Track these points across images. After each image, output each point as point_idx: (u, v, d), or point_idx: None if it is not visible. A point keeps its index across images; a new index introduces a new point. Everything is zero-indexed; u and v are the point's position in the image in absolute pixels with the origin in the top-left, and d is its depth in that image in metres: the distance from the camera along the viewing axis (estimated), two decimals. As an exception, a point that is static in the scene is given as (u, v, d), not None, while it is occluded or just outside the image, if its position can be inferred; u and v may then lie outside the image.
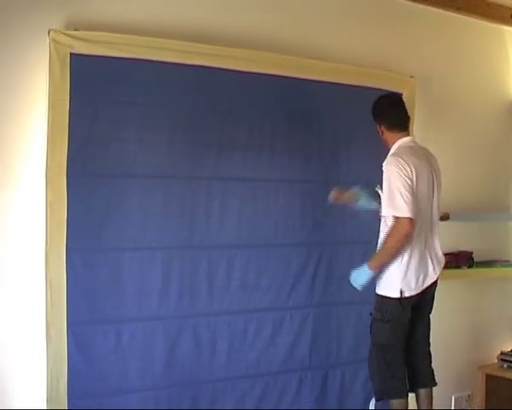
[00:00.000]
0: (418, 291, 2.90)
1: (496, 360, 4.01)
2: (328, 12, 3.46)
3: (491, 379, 3.94)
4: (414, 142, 3.02)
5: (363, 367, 3.39)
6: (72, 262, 2.69)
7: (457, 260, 3.75)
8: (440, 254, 3.02)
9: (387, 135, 2.99)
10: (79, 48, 2.70)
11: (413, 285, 2.88)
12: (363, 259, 3.39)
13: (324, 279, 3.31)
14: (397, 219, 2.76)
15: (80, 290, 2.71)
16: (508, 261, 4.02)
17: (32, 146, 2.70)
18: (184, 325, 2.93)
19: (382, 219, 2.93)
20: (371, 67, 3.50)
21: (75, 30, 2.71)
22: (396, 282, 2.86)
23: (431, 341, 3.27)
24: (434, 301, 3.10)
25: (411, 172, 2.81)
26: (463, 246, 3.84)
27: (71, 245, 2.69)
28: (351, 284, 2.91)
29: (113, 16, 2.84)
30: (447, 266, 3.67)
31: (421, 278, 2.90)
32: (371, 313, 2.95)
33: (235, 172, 3.06)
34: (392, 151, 2.95)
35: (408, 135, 3.01)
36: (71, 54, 2.69)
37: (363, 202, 3.10)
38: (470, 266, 3.81)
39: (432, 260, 2.96)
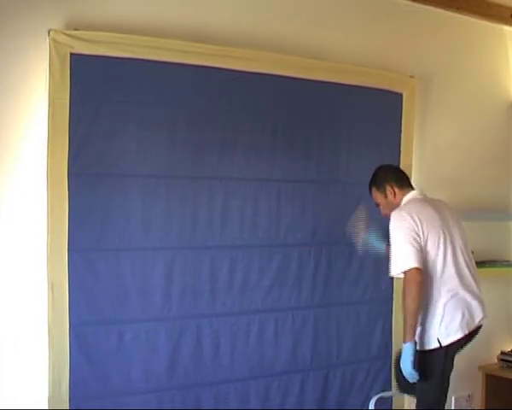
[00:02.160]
0: (466, 332, 2.73)
1: (496, 360, 4.01)
2: (328, 12, 3.46)
3: (491, 379, 3.95)
4: (422, 194, 2.96)
5: (363, 367, 3.42)
6: (73, 263, 2.69)
7: (457, 260, 3.74)
8: (481, 296, 2.85)
9: (398, 193, 2.92)
10: (79, 48, 2.70)
11: (455, 328, 2.71)
12: (364, 259, 3.42)
13: (325, 280, 3.31)
14: (404, 274, 2.67)
15: (82, 291, 2.70)
16: (508, 261, 4.02)
17: (32, 146, 2.69)
18: (187, 326, 2.92)
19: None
20: (371, 67, 3.49)
21: (75, 30, 2.71)
22: (433, 333, 2.73)
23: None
24: None
25: (416, 222, 2.72)
26: (463, 246, 3.83)
27: (72, 245, 2.68)
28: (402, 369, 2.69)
29: (113, 16, 2.84)
30: (447, 266, 3.69)
31: (465, 317, 2.74)
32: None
33: (236, 171, 3.05)
34: (401, 206, 2.88)
35: (416, 191, 2.96)
36: (71, 54, 2.69)
37: (373, 242, 3.14)
38: (470, 266, 3.80)
39: (473, 298, 2.78)
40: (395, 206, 2.88)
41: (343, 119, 3.38)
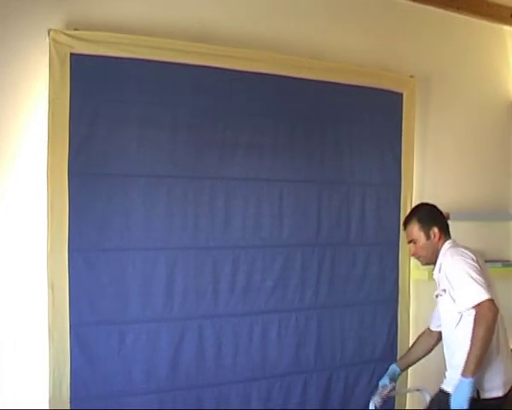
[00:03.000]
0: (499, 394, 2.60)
1: (496, 360, 4.01)
2: (328, 12, 3.46)
3: (491, 379, 3.94)
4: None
5: (368, 369, 3.41)
6: (74, 263, 2.68)
7: (457, 260, 3.74)
8: None
9: (442, 238, 2.79)
10: (79, 48, 2.70)
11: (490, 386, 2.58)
12: (366, 260, 3.42)
13: (328, 280, 3.30)
14: (478, 306, 2.47)
15: (83, 291, 2.70)
16: (508, 261, 4.02)
17: (33, 146, 2.69)
18: (189, 327, 2.91)
19: (451, 324, 2.67)
20: (371, 67, 3.49)
21: (75, 30, 2.71)
22: (497, 378, 2.59)
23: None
24: None
25: (476, 259, 2.63)
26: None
27: (73, 245, 2.68)
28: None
29: (113, 16, 2.84)
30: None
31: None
32: None
33: (238, 171, 3.05)
34: (444, 250, 2.75)
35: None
36: (71, 54, 2.69)
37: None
38: (470, 266, 3.80)
39: None
40: (434, 250, 2.78)
41: (343, 119, 3.38)
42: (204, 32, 3.04)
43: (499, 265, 3.93)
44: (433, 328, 2.97)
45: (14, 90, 2.66)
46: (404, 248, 3.55)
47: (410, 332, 3.58)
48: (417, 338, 3.08)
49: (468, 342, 2.47)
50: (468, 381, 2.41)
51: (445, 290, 2.67)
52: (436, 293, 2.77)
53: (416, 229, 2.82)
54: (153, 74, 2.87)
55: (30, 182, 2.69)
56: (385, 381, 2.95)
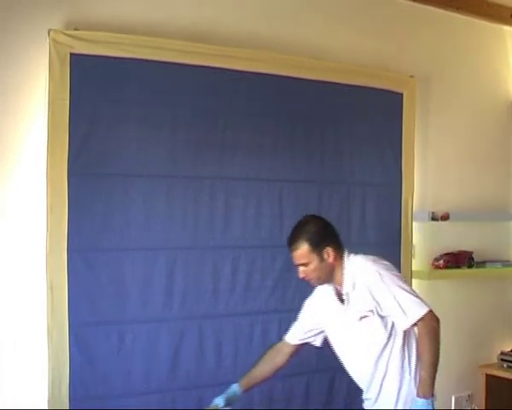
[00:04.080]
0: None
1: (496, 360, 4.01)
2: (328, 12, 3.46)
3: (491, 379, 3.94)
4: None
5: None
6: (73, 263, 2.67)
7: (457, 260, 3.75)
8: None
9: (336, 256, 2.40)
10: (79, 48, 2.69)
11: None
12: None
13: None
14: (422, 320, 2.27)
15: (82, 292, 2.69)
16: (508, 261, 4.02)
17: (32, 146, 2.69)
18: (189, 327, 2.91)
19: (374, 349, 2.40)
20: (371, 67, 3.50)
21: (75, 30, 2.70)
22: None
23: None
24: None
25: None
26: (463, 246, 3.83)
27: (72, 245, 2.67)
28: None
29: (113, 16, 2.84)
30: (447, 266, 3.70)
31: None
32: None
33: (238, 171, 3.04)
34: (353, 266, 2.40)
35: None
36: (71, 54, 2.68)
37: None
38: (470, 266, 3.81)
39: None
40: (330, 270, 2.40)
41: (343, 119, 3.38)
42: (204, 32, 3.04)
43: (499, 265, 3.93)
44: (295, 341, 2.61)
45: (13, 90, 2.66)
46: (406, 248, 3.56)
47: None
48: (265, 353, 2.64)
49: (399, 365, 2.35)
50: (430, 401, 2.26)
51: (372, 311, 2.34)
52: (360, 315, 2.36)
53: (305, 251, 2.36)
54: (153, 74, 2.87)
55: (29, 181, 2.68)
56: (219, 400, 2.50)
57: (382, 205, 3.48)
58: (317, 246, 2.37)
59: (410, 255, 3.58)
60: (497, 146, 4.12)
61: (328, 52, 3.40)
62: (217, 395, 2.81)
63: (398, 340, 2.37)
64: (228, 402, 2.51)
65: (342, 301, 2.43)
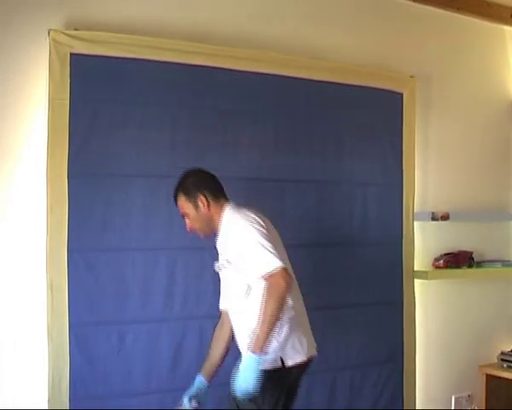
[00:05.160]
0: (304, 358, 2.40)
1: (496, 360, 4.01)
2: (328, 12, 3.46)
3: (491, 379, 3.94)
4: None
5: (372, 371, 3.39)
6: (73, 263, 2.68)
7: (457, 260, 3.75)
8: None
9: (213, 205, 2.47)
10: (79, 48, 2.70)
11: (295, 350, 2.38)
12: (369, 260, 3.41)
13: (331, 281, 3.29)
14: (270, 276, 2.26)
15: (82, 292, 2.70)
16: (508, 261, 4.02)
17: (32, 146, 2.69)
18: (189, 327, 2.91)
19: (237, 299, 2.43)
20: (371, 67, 3.50)
21: (75, 30, 2.71)
22: (299, 344, 2.39)
23: (432, 340, 3.26)
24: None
25: (263, 224, 2.37)
26: (463, 246, 3.83)
27: (72, 246, 2.68)
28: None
29: (113, 16, 2.84)
30: (447, 265, 3.70)
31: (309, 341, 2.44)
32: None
33: (238, 171, 3.04)
34: (226, 217, 2.46)
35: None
36: (71, 54, 2.69)
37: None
38: (470, 266, 3.80)
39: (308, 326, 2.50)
40: (208, 219, 2.47)
41: (344, 119, 3.38)
42: (204, 32, 3.04)
43: (499, 265, 3.93)
44: (223, 307, 2.62)
45: (13, 90, 2.66)
46: (407, 248, 3.55)
47: (417, 333, 3.59)
48: (213, 334, 2.64)
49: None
50: (257, 357, 2.20)
51: (228, 261, 2.42)
52: (218, 264, 2.51)
53: (183, 201, 2.48)
54: (153, 74, 2.87)
55: (29, 181, 2.69)
56: (185, 399, 2.49)
57: (383, 205, 3.48)
58: (191, 194, 2.46)
59: (413, 255, 3.58)
60: (497, 146, 4.12)
61: (328, 52, 3.40)
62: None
63: (258, 292, 2.32)
64: (197, 398, 2.50)
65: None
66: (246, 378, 2.20)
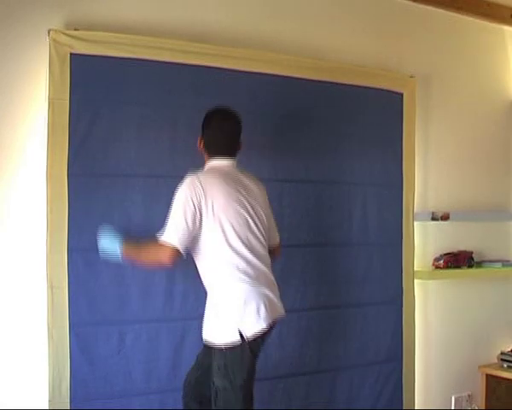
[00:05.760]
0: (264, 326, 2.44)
1: (496, 360, 4.01)
2: (328, 12, 3.46)
3: (491, 379, 3.94)
4: (232, 167, 2.61)
5: (372, 370, 3.39)
6: (73, 263, 2.68)
7: (457, 260, 3.75)
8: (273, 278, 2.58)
9: (202, 150, 2.64)
10: (79, 48, 2.70)
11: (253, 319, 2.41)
12: (369, 260, 3.41)
13: (330, 281, 3.29)
14: (160, 245, 2.41)
15: (82, 291, 2.69)
16: (508, 261, 4.02)
17: (32, 146, 2.69)
18: (189, 327, 2.89)
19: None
20: (371, 67, 3.50)
21: (75, 30, 2.71)
22: (255, 314, 2.43)
23: (432, 340, 3.25)
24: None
25: (202, 194, 2.43)
26: (463, 246, 3.84)
27: (72, 245, 2.67)
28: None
29: (113, 16, 2.84)
30: (447, 266, 3.70)
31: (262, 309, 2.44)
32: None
33: None
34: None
35: (228, 161, 2.60)
36: (71, 54, 2.69)
37: (106, 244, 2.58)
38: (470, 266, 3.81)
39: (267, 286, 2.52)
40: (203, 161, 2.62)
41: (343, 119, 3.38)
42: (204, 32, 3.04)
43: (499, 265, 3.93)
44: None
45: (13, 90, 2.67)
46: (407, 248, 3.56)
47: (416, 333, 3.59)
48: None
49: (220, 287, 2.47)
50: (118, 254, 2.51)
51: None
52: None
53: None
54: (153, 74, 2.87)
55: (30, 181, 2.69)
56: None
57: (383, 205, 3.47)
58: (201, 131, 2.63)
59: (412, 255, 3.58)
60: (497, 146, 4.12)
61: (328, 52, 3.40)
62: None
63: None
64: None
65: None
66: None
